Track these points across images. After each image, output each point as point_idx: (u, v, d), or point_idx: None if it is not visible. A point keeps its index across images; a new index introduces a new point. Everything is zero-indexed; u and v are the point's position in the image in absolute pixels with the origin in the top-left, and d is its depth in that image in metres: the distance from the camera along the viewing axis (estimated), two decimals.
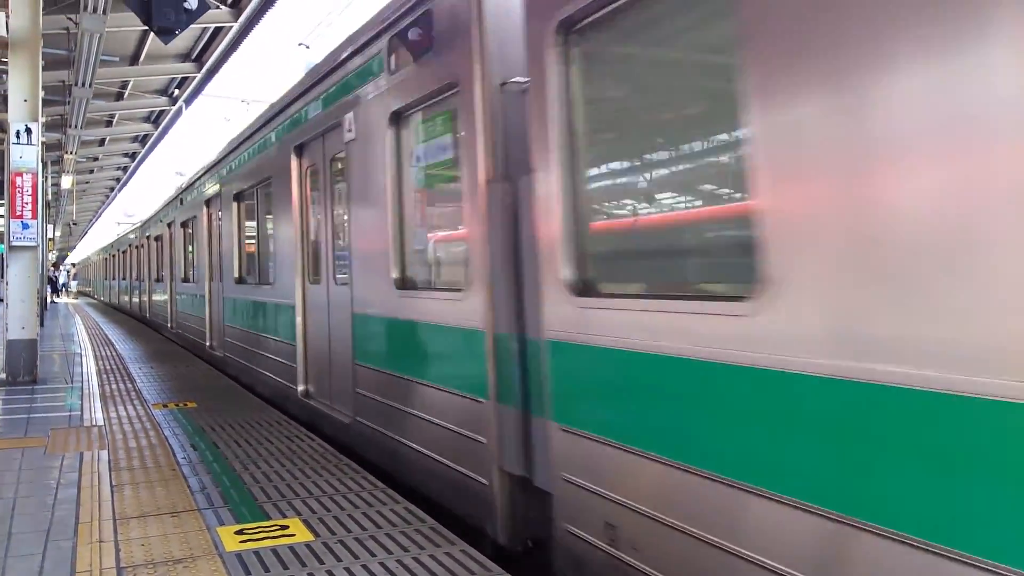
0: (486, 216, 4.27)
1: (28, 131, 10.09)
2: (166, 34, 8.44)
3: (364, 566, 3.75)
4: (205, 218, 13.25)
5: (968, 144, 1.95)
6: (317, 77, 7.31)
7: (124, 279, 30.80)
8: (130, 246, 27.49)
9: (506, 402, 4.19)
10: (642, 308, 3.15)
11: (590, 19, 3.49)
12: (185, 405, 8.39)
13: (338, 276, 6.98)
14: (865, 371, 2.19)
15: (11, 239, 10.06)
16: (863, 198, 2.19)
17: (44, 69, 11.42)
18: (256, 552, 3.94)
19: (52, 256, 40.13)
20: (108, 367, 12.00)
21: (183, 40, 16.54)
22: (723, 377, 2.70)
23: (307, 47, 20.91)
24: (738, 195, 2.82)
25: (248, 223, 10.73)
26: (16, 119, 10.10)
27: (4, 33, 10.11)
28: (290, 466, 5.69)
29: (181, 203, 16.04)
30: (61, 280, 50.41)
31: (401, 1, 5.35)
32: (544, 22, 3.69)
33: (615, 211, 3.75)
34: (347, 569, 3.72)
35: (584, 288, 3.59)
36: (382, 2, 5.76)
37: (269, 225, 9.31)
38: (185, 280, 15.70)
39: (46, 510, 4.66)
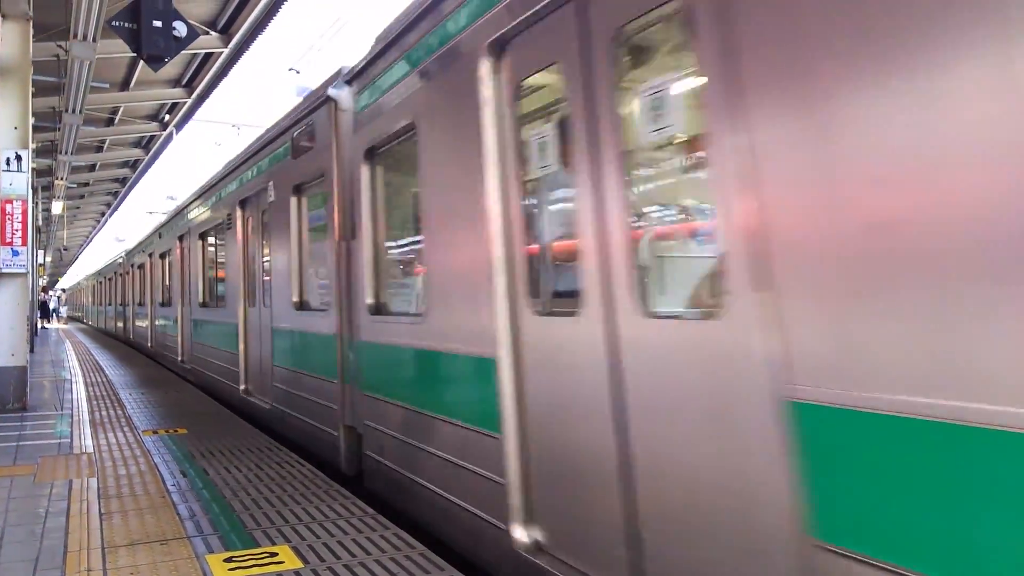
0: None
1: (18, 158, 10.12)
2: (156, 62, 8.50)
3: None
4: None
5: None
6: None
7: (123, 304, 27.68)
8: (133, 266, 24.57)
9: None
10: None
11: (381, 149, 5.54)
12: (175, 431, 8.36)
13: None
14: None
15: (1, 266, 10.05)
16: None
17: (34, 96, 11.47)
18: None
19: (42, 282, 39.96)
20: (98, 393, 11.95)
21: (173, 66, 16.61)
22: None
23: (297, 72, 21.05)
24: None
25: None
26: (6, 146, 10.12)
27: None
28: (280, 492, 5.68)
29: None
30: (52, 306, 50.19)
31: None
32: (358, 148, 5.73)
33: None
34: None
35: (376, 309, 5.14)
36: (372, 24, 5.26)
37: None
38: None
39: (35, 539, 4.64)
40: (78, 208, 37.35)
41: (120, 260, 28.40)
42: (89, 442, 7.76)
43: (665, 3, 2.93)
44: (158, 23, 8.20)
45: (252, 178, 9.67)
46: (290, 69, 20.81)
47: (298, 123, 7.67)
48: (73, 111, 13.99)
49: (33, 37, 11.01)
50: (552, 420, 3.70)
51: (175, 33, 8.39)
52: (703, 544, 2.76)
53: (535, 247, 3.96)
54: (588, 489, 3.42)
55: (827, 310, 2.25)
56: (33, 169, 11.13)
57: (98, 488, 5.86)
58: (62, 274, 78.39)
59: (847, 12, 2.18)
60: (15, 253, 10.12)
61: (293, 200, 7.94)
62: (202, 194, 13.20)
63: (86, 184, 30.06)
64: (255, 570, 4.07)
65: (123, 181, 30.77)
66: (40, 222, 27.71)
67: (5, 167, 10.06)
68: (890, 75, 2.07)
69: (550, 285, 3.91)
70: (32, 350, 16.77)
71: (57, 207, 24.36)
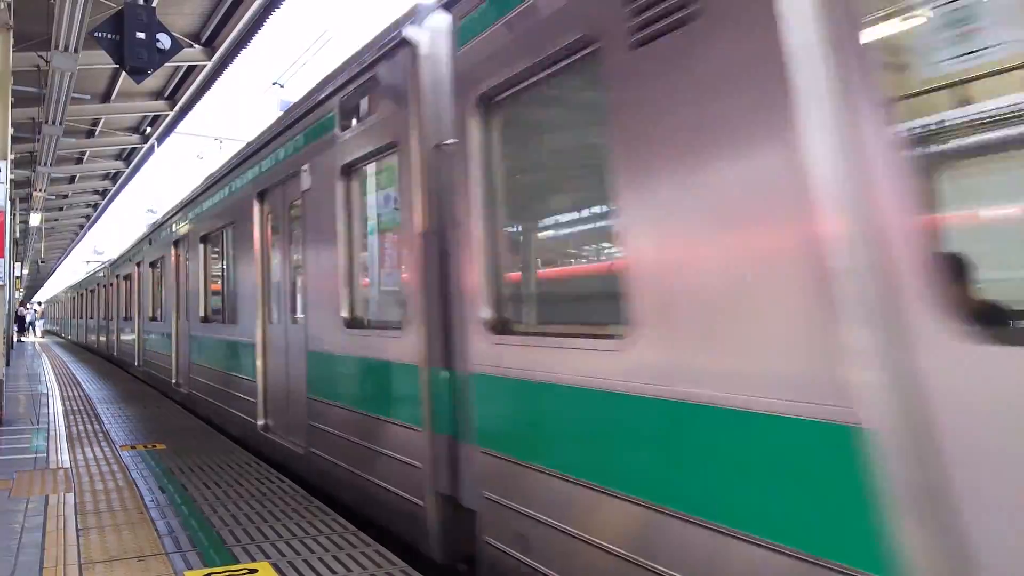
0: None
1: None
2: (138, 74, 8.48)
3: None
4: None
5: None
6: None
7: (120, 317, 21.46)
8: (117, 277, 20.89)
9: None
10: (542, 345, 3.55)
11: (504, 95, 3.98)
12: (154, 446, 8.26)
13: None
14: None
15: None
16: None
17: (13, 106, 11.36)
18: None
19: (19, 294, 39.47)
20: (75, 408, 11.79)
21: (156, 78, 16.52)
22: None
23: (281, 86, 20.98)
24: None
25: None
26: None
27: None
28: (260, 508, 5.62)
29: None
30: (28, 319, 49.56)
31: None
32: (467, 95, 4.18)
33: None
34: None
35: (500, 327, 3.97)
36: (357, 38, 5.70)
37: None
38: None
39: (9, 555, 4.55)
40: (57, 220, 36.99)
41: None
42: (66, 457, 7.65)
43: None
44: (141, 35, 8.18)
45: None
46: (274, 83, 20.73)
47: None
48: (53, 122, 13.88)
49: (13, 47, 10.92)
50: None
51: (158, 45, 8.37)
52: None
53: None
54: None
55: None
56: (11, 180, 11.01)
57: (75, 503, 5.77)
58: (39, 287, 77.49)
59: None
60: None
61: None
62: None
63: (65, 196, 29.81)
64: None
65: (103, 193, 30.55)
66: (18, 234, 27.40)
67: None
68: None
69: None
70: (8, 363, 16.51)
71: (35, 219, 24.10)
